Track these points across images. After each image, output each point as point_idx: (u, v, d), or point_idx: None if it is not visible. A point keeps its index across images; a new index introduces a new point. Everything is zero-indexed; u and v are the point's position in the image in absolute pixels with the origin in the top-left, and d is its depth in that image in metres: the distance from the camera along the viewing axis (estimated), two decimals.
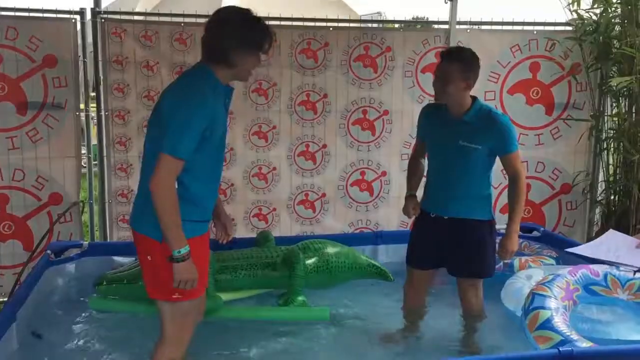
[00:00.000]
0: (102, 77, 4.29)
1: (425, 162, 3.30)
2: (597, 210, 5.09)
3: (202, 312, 2.71)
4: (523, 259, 3.69)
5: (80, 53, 4.27)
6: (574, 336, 2.50)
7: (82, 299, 3.47)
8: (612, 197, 4.96)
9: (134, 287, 3.17)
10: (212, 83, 2.32)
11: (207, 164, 2.36)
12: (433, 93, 4.84)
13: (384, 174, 4.82)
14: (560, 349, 2.34)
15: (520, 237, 4.19)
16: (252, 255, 3.48)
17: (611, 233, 3.66)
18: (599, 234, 4.43)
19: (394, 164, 4.82)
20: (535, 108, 4.93)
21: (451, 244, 3.03)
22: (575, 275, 2.96)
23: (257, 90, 4.52)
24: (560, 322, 2.61)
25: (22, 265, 3.95)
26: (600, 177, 5.03)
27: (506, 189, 5.02)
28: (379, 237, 4.22)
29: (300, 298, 3.33)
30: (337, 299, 3.53)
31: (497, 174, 4.94)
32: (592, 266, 3.09)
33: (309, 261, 3.48)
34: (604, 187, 4.98)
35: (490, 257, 3.08)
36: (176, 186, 2.25)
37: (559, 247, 3.97)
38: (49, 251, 3.57)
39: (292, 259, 3.42)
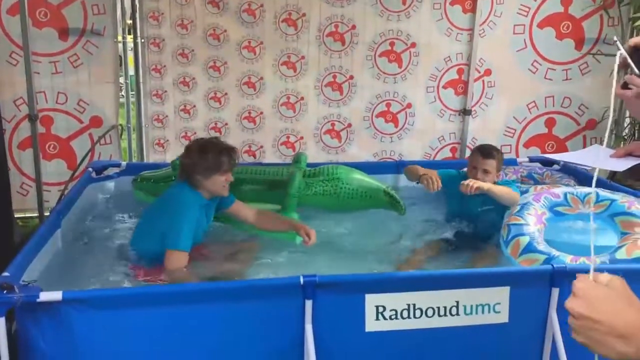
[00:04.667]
0: (137, 5, 4.46)
1: None
2: (622, 146, 5.12)
3: None
4: (539, 186, 3.78)
5: None
6: (556, 253, 2.70)
7: (120, 213, 3.76)
8: (637, 134, 4.98)
9: (159, 186, 3.59)
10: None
11: None
12: (461, 26, 4.98)
13: (409, 106, 4.93)
14: (554, 265, 2.52)
15: (542, 167, 4.36)
16: (260, 172, 3.64)
17: (595, 146, 3.74)
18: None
19: (420, 96, 4.92)
20: (564, 42, 4.92)
21: None
22: (539, 200, 3.10)
23: (287, 20, 4.63)
24: (540, 243, 2.80)
25: (65, 182, 4.27)
26: (627, 113, 5.03)
27: (531, 124, 5.16)
28: (400, 166, 4.37)
29: (294, 215, 3.41)
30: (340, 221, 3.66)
31: (523, 109, 5.04)
32: (551, 189, 3.21)
33: (318, 184, 3.54)
34: (629, 123, 5.00)
35: None
36: None
37: (578, 179, 4.07)
38: (90, 169, 3.84)
39: (289, 178, 3.50)
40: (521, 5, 4.79)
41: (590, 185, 3.81)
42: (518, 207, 3.11)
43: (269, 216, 3.30)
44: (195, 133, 4.73)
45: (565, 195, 3.14)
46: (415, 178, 3.49)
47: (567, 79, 4.98)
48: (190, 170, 2.93)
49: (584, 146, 5.16)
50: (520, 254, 2.80)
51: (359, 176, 3.64)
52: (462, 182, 3.17)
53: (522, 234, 2.88)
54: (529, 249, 2.79)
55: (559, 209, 3.11)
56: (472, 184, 3.14)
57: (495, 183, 3.51)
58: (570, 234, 3.03)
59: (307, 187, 3.55)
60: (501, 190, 3.24)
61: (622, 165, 1.58)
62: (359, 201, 3.57)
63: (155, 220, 2.95)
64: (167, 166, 3.83)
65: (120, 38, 4.58)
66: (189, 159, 2.96)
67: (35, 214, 4.54)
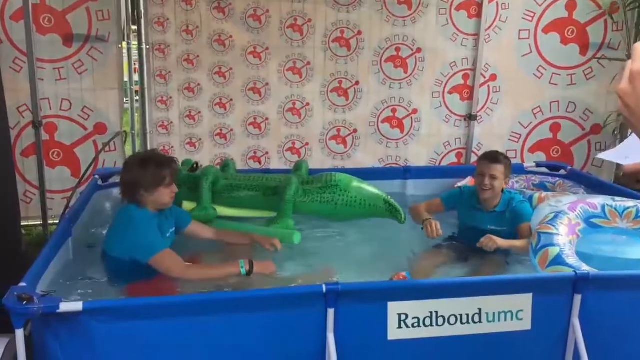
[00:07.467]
0: (142, 11, 4.43)
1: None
2: None
3: None
4: (544, 193, 3.74)
5: None
6: (585, 268, 2.59)
7: None
8: None
9: None
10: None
11: None
12: (466, 32, 4.94)
13: (414, 111, 4.92)
14: (577, 272, 2.50)
15: (551, 175, 4.35)
16: (257, 179, 3.58)
17: (633, 137, 3.71)
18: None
19: (425, 102, 4.91)
20: (569, 47, 4.93)
21: None
22: (575, 210, 2.99)
23: (292, 26, 4.61)
24: (570, 255, 2.70)
25: (69, 190, 4.21)
26: None
27: (536, 129, 5.15)
28: (407, 172, 4.35)
29: (289, 222, 3.37)
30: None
31: (528, 114, 5.04)
32: (588, 200, 3.10)
33: (316, 192, 3.47)
34: None
35: None
36: None
37: (585, 185, 4.07)
38: (97, 176, 3.80)
39: (285, 184, 3.43)
40: (526, 10, 4.80)
41: (598, 191, 3.80)
42: (551, 215, 2.99)
43: (230, 232, 3.32)
44: (200, 139, 4.69)
45: (603, 207, 3.00)
46: (419, 222, 3.40)
47: (571, 84, 4.99)
48: (133, 188, 2.85)
49: (589, 151, 5.17)
50: (548, 265, 2.70)
51: (359, 184, 3.52)
52: (480, 240, 3.09)
53: (552, 244, 2.76)
54: (558, 260, 2.68)
55: (595, 221, 2.99)
56: (491, 244, 3.05)
57: (503, 191, 3.47)
58: (613, 245, 2.93)
59: (305, 195, 3.46)
60: (523, 246, 3.10)
61: None
62: (358, 210, 3.47)
63: (118, 239, 2.87)
64: None
65: (124, 44, 4.53)
66: (130, 175, 2.88)
67: (39, 222, 4.48)
